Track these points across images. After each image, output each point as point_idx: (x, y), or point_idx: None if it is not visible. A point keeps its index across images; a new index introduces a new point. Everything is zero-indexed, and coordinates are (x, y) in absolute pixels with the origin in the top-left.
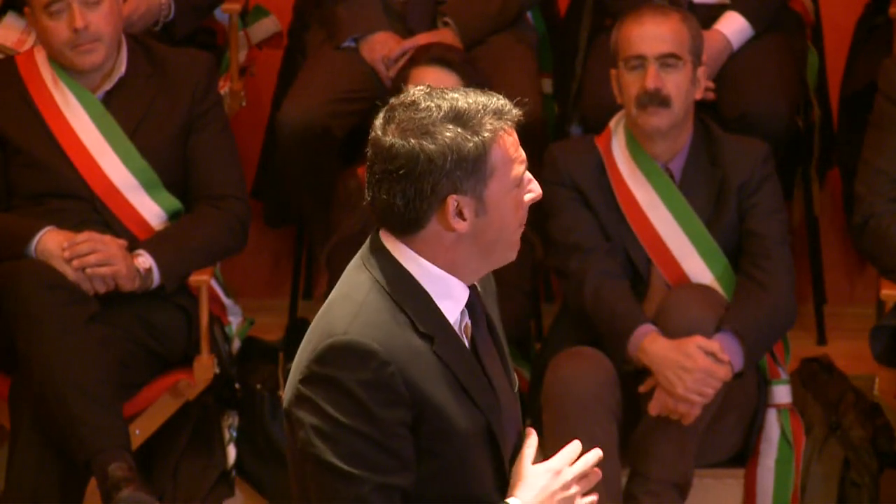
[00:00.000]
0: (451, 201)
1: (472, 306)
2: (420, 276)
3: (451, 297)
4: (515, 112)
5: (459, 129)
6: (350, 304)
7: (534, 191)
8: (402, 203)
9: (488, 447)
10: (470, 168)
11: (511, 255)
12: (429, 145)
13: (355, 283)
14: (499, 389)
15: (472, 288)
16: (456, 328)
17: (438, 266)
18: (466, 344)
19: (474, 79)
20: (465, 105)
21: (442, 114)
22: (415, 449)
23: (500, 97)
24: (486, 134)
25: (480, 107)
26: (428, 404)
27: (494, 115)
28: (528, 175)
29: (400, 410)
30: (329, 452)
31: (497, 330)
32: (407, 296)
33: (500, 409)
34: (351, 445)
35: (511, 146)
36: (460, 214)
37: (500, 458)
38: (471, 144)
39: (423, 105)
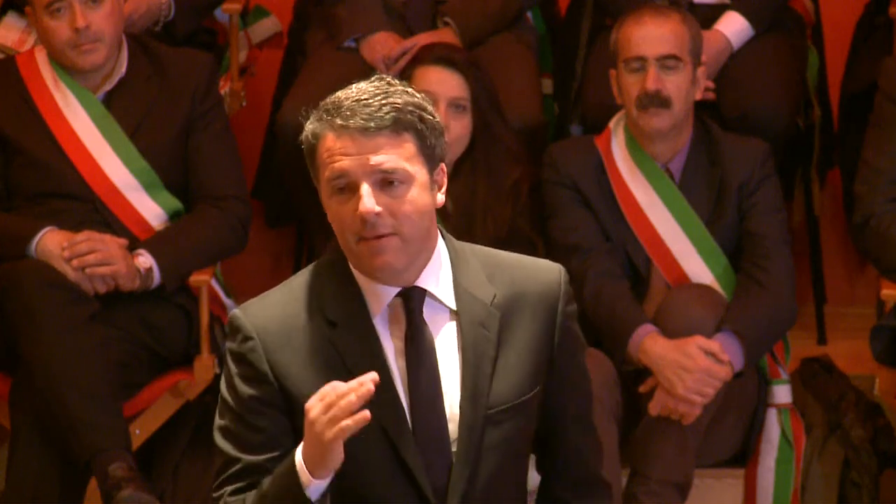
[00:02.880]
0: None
1: (412, 312)
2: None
3: (374, 293)
4: (353, 122)
5: (313, 115)
6: (281, 285)
7: (358, 208)
8: None
9: (381, 445)
10: (309, 156)
11: (366, 267)
12: (306, 125)
13: (308, 267)
14: (417, 396)
15: (415, 294)
16: (380, 324)
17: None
18: (385, 342)
19: (479, 80)
20: (341, 95)
21: (331, 96)
22: (293, 431)
23: (380, 98)
24: (315, 127)
25: (339, 100)
26: (294, 387)
27: (327, 113)
28: (364, 191)
29: (261, 387)
30: (215, 424)
31: (468, 349)
32: (333, 282)
33: (401, 410)
34: (224, 419)
35: (328, 150)
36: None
37: (399, 458)
38: (307, 133)
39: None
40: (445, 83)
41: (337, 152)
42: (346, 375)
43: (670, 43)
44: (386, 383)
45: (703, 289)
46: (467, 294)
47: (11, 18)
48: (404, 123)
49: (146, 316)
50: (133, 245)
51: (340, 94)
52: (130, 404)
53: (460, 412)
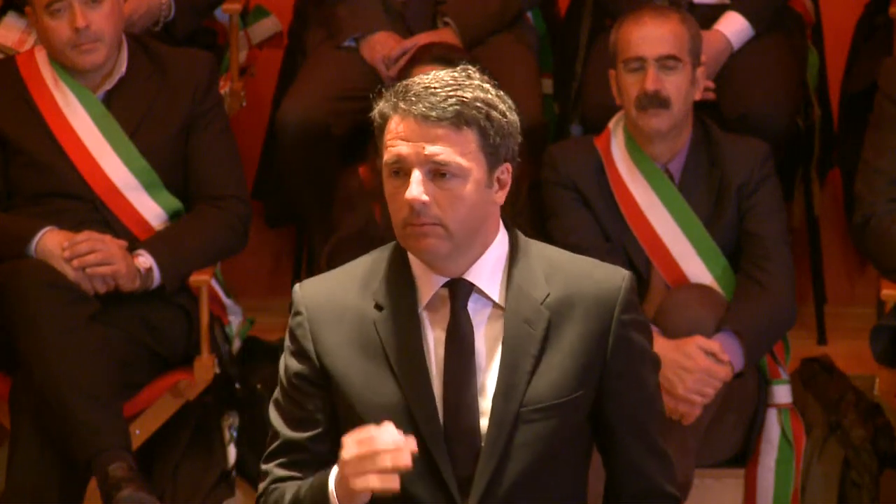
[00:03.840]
0: None
1: (456, 304)
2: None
3: (425, 280)
4: (417, 109)
5: (385, 95)
6: (348, 263)
7: (407, 194)
8: None
9: (409, 432)
10: (377, 135)
11: (412, 249)
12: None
13: (377, 249)
14: (451, 388)
15: (461, 286)
16: (425, 313)
17: None
18: (427, 331)
19: None
20: (415, 81)
21: (406, 81)
22: (331, 409)
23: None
24: (383, 107)
25: (410, 86)
26: (334, 365)
27: (396, 95)
28: (414, 177)
29: (304, 364)
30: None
31: (506, 345)
32: (390, 266)
33: (433, 400)
34: (276, 392)
35: (391, 132)
36: None
37: (426, 447)
38: (376, 110)
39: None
40: None
41: (397, 136)
42: (384, 361)
43: (670, 43)
44: (423, 373)
45: (703, 289)
46: (519, 291)
47: (11, 18)
48: (467, 118)
49: (146, 316)
50: (133, 245)
51: (416, 78)
52: (130, 404)
53: (492, 407)
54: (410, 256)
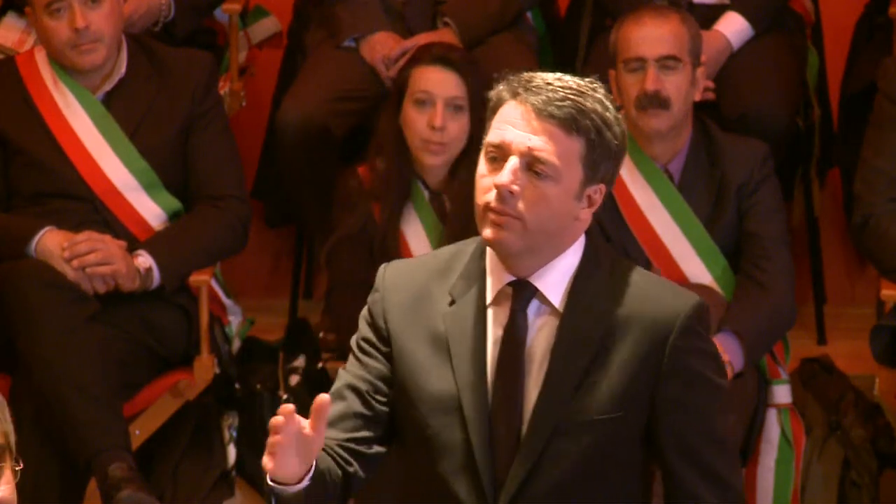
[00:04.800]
0: None
1: (515, 305)
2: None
3: (495, 276)
4: (534, 100)
5: (507, 80)
6: (436, 250)
7: (497, 178)
8: None
9: (457, 426)
10: (490, 114)
11: (487, 236)
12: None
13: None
14: (499, 390)
15: (524, 287)
16: (492, 310)
17: None
18: (489, 327)
19: (476, 79)
20: (541, 75)
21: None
22: (388, 386)
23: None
24: (502, 90)
25: (535, 78)
26: (401, 347)
27: (518, 82)
28: (510, 164)
29: (375, 333)
30: None
31: (567, 355)
32: (469, 259)
33: (484, 398)
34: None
35: (502, 115)
36: None
37: (469, 442)
38: (494, 91)
39: None
40: (443, 83)
41: (506, 120)
42: (446, 352)
43: (669, 43)
44: (478, 370)
45: (703, 289)
46: (580, 302)
47: (11, 18)
48: (578, 124)
49: (146, 316)
50: (132, 245)
51: (543, 74)
52: (130, 404)
53: (532, 413)
54: (487, 250)
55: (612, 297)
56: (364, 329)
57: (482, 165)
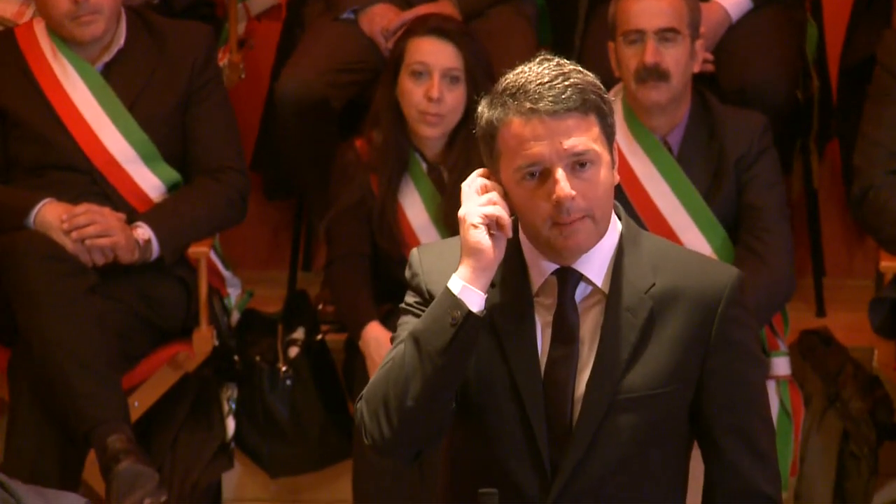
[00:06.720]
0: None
1: (563, 293)
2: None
3: (536, 266)
4: (543, 105)
5: (487, 101)
6: None
7: (556, 193)
8: None
9: (513, 407)
10: (486, 142)
11: (556, 248)
12: (479, 111)
13: None
14: (551, 375)
15: (570, 275)
16: (536, 296)
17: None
18: (535, 313)
19: (473, 50)
20: (519, 78)
21: (505, 81)
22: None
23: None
24: (497, 113)
25: (520, 84)
26: None
27: (511, 97)
28: (560, 175)
29: (424, 304)
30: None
31: (611, 340)
32: (510, 249)
33: (539, 382)
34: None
35: (517, 136)
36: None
37: (528, 425)
38: (483, 120)
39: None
40: (439, 54)
41: (528, 138)
42: (493, 337)
43: (668, 16)
44: (531, 357)
45: None
46: (624, 279)
47: None
48: (589, 104)
49: (145, 288)
50: (131, 217)
51: (517, 78)
52: (129, 376)
53: (585, 392)
54: (522, 241)
55: (654, 271)
56: (408, 298)
57: (521, 189)
